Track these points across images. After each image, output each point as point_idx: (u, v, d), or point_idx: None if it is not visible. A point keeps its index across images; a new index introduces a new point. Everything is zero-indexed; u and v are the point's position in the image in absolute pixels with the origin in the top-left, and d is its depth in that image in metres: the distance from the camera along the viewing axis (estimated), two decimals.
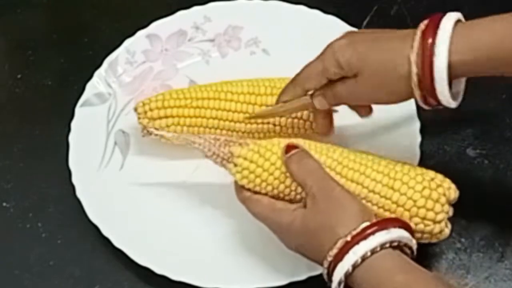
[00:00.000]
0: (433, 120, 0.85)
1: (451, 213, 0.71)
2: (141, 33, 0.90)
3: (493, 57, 0.63)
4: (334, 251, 0.64)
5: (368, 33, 0.70)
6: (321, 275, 0.68)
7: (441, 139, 0.84)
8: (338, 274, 0.64)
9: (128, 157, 0.84)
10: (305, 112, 0.79)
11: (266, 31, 0.91)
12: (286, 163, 0.70)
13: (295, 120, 0.79)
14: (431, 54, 0.64)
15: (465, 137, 0.85)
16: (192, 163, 0.83)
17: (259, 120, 0.80)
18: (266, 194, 0.72)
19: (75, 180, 0.81)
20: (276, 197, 0.72)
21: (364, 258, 0.63)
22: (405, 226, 0.66)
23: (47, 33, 0.97)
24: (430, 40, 0.64)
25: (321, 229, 0.66)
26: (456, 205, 0.71)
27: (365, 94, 0.69)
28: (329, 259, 0.65)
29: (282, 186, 0.71)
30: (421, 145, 0.80)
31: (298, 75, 0.73)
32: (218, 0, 0.92)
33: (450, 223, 0.71)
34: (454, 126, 0.85)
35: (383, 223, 0.65)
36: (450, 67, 0.64)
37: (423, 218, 0.69)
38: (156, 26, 0.90)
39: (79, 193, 0.80)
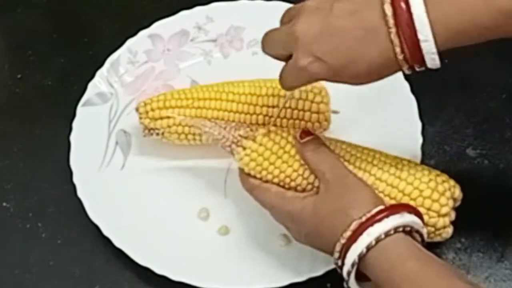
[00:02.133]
0: (433, 120, 0.85)
1: (453, 217, 0.71)
2: (143, 33, 0.90)
3: (466, 32, 0.61)
4: (348, 233, 0.64)
5: (328, 31, 0.64)
6: (321, 276, 0.68)
7: (441, 139, 0.84)
8: (352, 255, 0.64)
9: (129, 157, 0.84)
10: (306, 113, 0.79)
11: None
12: (301, 149, 0.71)
13: (296, 121, 0.79)
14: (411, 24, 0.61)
15: (465, 137, 0.85)
16: (193, 163, 0.83)
17: (260, 121, 0.80)
18: (272, 179, 0.72)
19: (76, 179, 0.81)
20: (282, 183, 0.72)
21: (378, 240, 0.63)
22: (416, 212, 0.67)
23: (47, 33, 0.97)
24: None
25: (334, 212, 0.66)
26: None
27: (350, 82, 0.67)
28: (343, 241, 0.64)
29: (289, 170, 0.71)
30: (422, 145, 0.80)
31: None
32: (221, 0, 0.92)
33: (453, 228, 0.71)
34: (454, 126, 0.85)
35: (396, 208, 0.66)
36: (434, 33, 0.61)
37: (428, 209, 0.69)
38: (158, 26, 0.90)
39: (80, 193, 0.80)
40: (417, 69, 0.63)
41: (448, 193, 0.70)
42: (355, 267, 0.64)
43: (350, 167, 0.71)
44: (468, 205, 0.72)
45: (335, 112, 0.80)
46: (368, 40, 0.62)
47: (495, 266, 0.77)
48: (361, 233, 0.64)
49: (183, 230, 0.80)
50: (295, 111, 0.79)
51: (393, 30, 0.61)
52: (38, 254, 0.80)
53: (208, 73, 0.88)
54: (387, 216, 0.64)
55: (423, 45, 0.61)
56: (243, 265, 0.77)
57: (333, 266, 0.72)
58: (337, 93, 0.79)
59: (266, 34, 0.70)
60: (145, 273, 0.76)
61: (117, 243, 0.77)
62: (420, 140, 0.81)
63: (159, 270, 0.76)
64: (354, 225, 0.64)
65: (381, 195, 0.70)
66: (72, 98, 0.86)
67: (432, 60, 0.62)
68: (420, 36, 0.61)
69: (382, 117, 0.83)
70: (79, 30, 0.96)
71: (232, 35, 0.91)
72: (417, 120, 0.82)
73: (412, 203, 0.69)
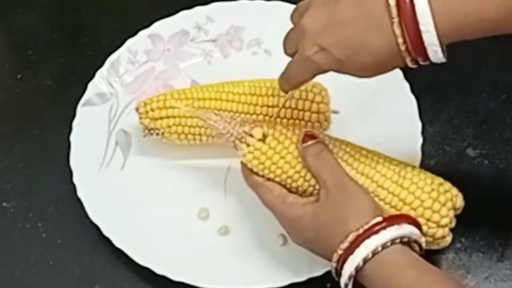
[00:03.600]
0: (433, 120, 0.85)
1: (453, 224, 0.71)
2: (143, 33, 0.90)
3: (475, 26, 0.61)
4: (345, 244, 0.64)
5: (336, 23, 0.64)
6: (321, 276, 0.68)
7: (441, 139, 0.84)
8: (349, 268, 0.64)
9: (129, 157, 0.84)
10: (306, 113, 0.79)
11: (268, 31, 0.90)
12: (303, 153, 0.71)
13: (296, 121, 0.79)
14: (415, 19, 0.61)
15: (465, 137, 0.85)
16: (193, 163, 0.83)
17: (260, 121, 0.79)
18: (274, 178, 0.72)
19: (76, 179, 0.81)
20: (283, 182, 0.72)
21: (375, 253, 0.63)
22: (415, 223, 0.67)
23: (47, 33, 0.97)
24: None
25: (332, 222, 0.66)
26: None
27: (356, 73, 0.66)
28: (340, 252, 0.65)
29: (292, 171, 0.71)
30: (422, 145, 0.80)
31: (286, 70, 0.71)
32: (221, 0, 0.92)
33: (452, 233, 0.71)
34: (454, 126, 0.85)
35: (394, 219, 0.65)
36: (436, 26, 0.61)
37: (428, 220, 0.69)
38: (158, 26, 0.90)
39: (80, 193, 0.80)
40: (421, 62, 0.63)
41: (449, 204, 0.70)
42: (352, 279, 0.64)
43: (353, 172, 0.71)
44: (468, 205, 0.72)
45: (335, 112, 0.80)
46: (372, 31, 0.63)
47: (495, 266, 0.77)
48: (358, 245, 0.64)
49: (183, 230, 0.80)
50: (295, 111, 0.79)
51: (396, 20, 0.61)
52: (38, 254, 0.80)
53: (208, 73, 0.88)
54: (384, 228, 0.64)
55: (425, 36, 0.61)
56: (243, 265, 0.77)
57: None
58: (337, 93, 0.79)
59: (285, 35, 0.71)
60: (145, 273, 0.76)
61: (117, 243, 0.77)
62: (420, 140, 0.81)
63: (159, 270, 0.76)
64: (351, 237, 0.64)
65: (382, 203, 0.70)
66: (72, 98, 0.86)
67: (435, 52, 0.62)
68: (422, 27, 0.61)
69: (382, 117, 0.83)
70: (79, 30, 0.96)
71: (232, 35, 0.91)
72: (417, 120, 0.82)
73: (412, 212, 0.69)
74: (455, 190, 0.71)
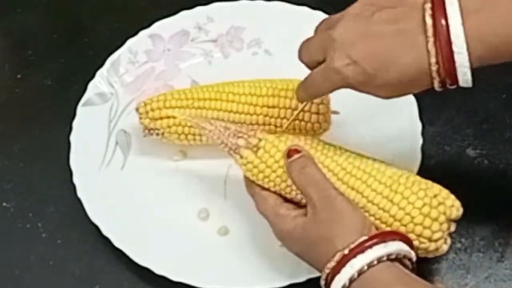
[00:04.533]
0: (433, 120, 0.85)
1: (453, 229, 0.70)
2: (143, 33, 0.90)
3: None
4: (332, 263, 0.64)
5: (368, 35, 0.65)
6: (319, 277, 0.68)
7: (441, 139, 0.84)
8: (336, 287, 0.64)
9: (129, 157, 0.84)
10: (306, 114, 0.79)
11: (269, 32, 0.91)
12: (288, 169, 0.70)
13: (296, 122, 0.79)
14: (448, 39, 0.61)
15: (465, 137, 0.85)
16: (193, 163, 0.83)
17: (260, 122, 0.79)
18: (269, 188, 0.72)
19: (76, 180, 0.81)
20: (283, 192, 0.72)
21: (360, 272, 0.63)
22: (404, 239, 0.66)
23: (47, 33, 0.97)
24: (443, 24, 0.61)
25: (320, 240, 0.66)
26: None
27: (380, 93, 0.67)
28: (327, 271, 0.65)
29: (283, 184, 0.72)
30: (422, 145, 0.80)
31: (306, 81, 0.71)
32: (221, 1, 0.92)
33: (450, 238, 0.71)
34: (454, 126, 0.85)
35: (381, 236, 0.65)
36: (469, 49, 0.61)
37: (419, 235, 0.68)
38: (159, 26, 0.90)
39: (80, 193, 0.80)
40: (448, 85, 0.63)
41: (442, 218, 0.68)
42: None
43: (343, 187, 0.70)
44: (468, 205, 0.72)
45: (335, 112, 0.80)
46: (405, 47, 0.63)
47: (495, 266, 0.77)
48: (344, 265, 0.64)
49: (183, 231, 0.79)
50: (295, 112, 0.79)
51: (431, 39, 0.62)
52: (38, 254, 0.80)
53: (208, 73, 0.88)
54: (370, 247, 0.64)
55: (456, 57, 0.61)
56: (242, 265, 0.77)
57: None
58: (337, 93, 0.79)
59: (303, 41, 0.70)
60: (145, 273, 0.76)
61: (117, 243, 0.77)
62: (420, 140, 0.80)
63: (159, 271, 0.76)
64: (337, 257, 0.64)
65: (372, 218, 0.69)
66: (72, 98, 0.86)
67: (464, 74, 0.62)
68: (455, 48, 0.61)
69: (382, 117, 0.82)
70: (79, 30, 0.96)
71: (232, 35, 0.91)
72: (417, 120, 0.82)
73: (402, 228, 0.68)
74: (450, 200, 0.70)
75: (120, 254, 0.77)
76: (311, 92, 0.70)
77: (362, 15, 0.65)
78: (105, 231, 0.78)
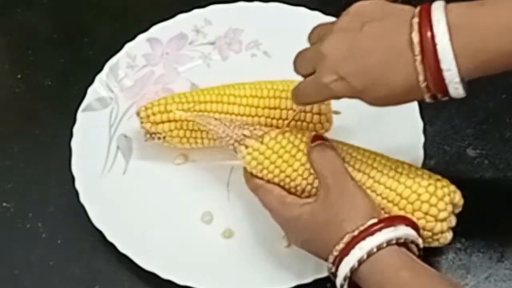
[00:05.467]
0: (433, 120, 0.85)
1: (453, 223, 0.71)
2: (141, 37, 0.89)
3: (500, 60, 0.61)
4: (341, 245, 0.64)
5: (359, 53, 0.65)
6: (326, 278, 0.68)
7: (441, 139, 0.84)
8: (344, 269, 0.64)
9: (131, 162, 0.84)
10: (308, 115, 0.79)
11: (267, 33, 0.90)
12: (309, 152, 0.71)
13: (298, 123, 0.79)
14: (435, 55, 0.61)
15: (465, 137, 0.85)
16: (195, 167, 0.83)
17: (262, 123, 0.79)
18: (273, 179, 0.72)
19: (78, 186, 0.80)
20: (282, 183, 0.72)
21: (369, 254, 0.63)
22: (412, 225, 0.67)
23: (47, 33, 0.97)
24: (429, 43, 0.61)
25: (329, 223, 0.67)
26: None
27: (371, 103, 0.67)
28: (335, 253, 0.65)
29: (289, 170, 0.72)
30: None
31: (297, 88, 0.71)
32: (219, 3, 0.92)
33: (452, 232, 0.71)
34: (454, 126, 0.85)
35: (390, 220, 0.66)
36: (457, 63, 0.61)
37: (426, 213, 0.69)
38: (157, 30, 0.90)
39: (83, 199, 0.79)
40: (439, 98, 0.63)
41: (447, 198, 0.70)
42: (347, 280, 0.64)
43: (349, 169, 0.71)
44: (468, 205, 0.72)
45: (336, 112, 0.80)
46: (393, 65, 0.63)
47: (495, 266, 0.77)
48: (353, 247, 0.64)
49: (187, 234, 0.79)
50: (295, 113, 0.79)
51: (418, 58, 0.61)
52: (38, 254, 0.80)
53: (207, 76, 0.88)
54: (380, 230, 0.64)
55: (446, 74, 0.61)
56: (247, 268, 0.77)
57: None
58: None
59: (297, 54, 0.71)
60: (145, 273, 0.76)
61: (122, 248, 0.77)
62: (422, 139, 0.81)
63: (165, 275, 0.75)
64: (346, 238, 0.64)
65: (379, 198, 0.70)
66: (72, 98, 0.86)
67: (456, 89, 0.62)
68: (443, 66, 0.61)
69: (383, 117, 0.82)
70: (79, 30, 0.96)
71: (230, 38, 0.91)
72: (418, 119, 0.82)
73: (409, 206, 0.69)
74: (453, 187, 0.71)
75: (120, 254, 0.77)
76: (303, 100, 0.71)
77: (351, 29, 0.65)
78: (109, 237, 0.78)
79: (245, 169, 0.74)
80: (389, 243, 0.64)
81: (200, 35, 0.91)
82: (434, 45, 0.60)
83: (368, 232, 0.64)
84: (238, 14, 0.91)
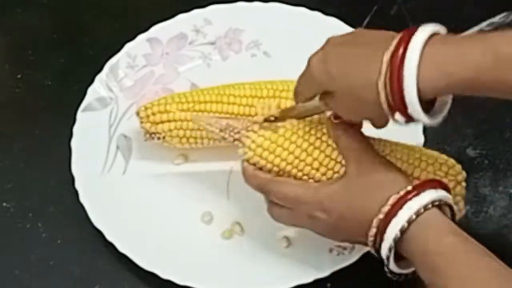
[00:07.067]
0: None
1: (464, 192, 0.72)
2: (141, 37, 0.89)
3: (467, 88, 0.62)
4: (387, 207, 0.64)
5: (346, 46, 0.66)
6: (326, 278, 0.68)
7: (441, 139, 0.84)
8: (392, 231, 0.63)
9: (130, 162, 0.84)
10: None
11: (267, 33, 0.91)
12: (334, 127, 0.70)
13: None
14: (400, 80, 0.61)
15: (465, 137, 0.85)
16: (195, 167, 0.83)
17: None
18: (279, 172, 0.70)
19: (78, 186, 0.80)
20: (295, 171, 0.70)
21: (418, 214, 0.63)
22: (447, 188, 0.66)
23: (47, 33, 0.97)
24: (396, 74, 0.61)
25: (367, 190, 0.66)
26: None
27: (344, 113, 0.68)
28: (381, 216, 0.64)
29: (298, 151, 0.70)
30: (422, 144, 0.80)
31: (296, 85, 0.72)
32: (219, 3, 0.92)
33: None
34: (454, 126, 0.85)
35: (430, 183, 0.66)
36: (419, 91, 0.61)
37: (446, 173, 0.70)
38: (157, 30, 0.90)
39: (83, 199, 0.80)
40: (401, 119, 0.64)
41: (458, 167, 0.72)
42: (395, 242, 0.63)
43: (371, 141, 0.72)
44: (468, 205, 0.72)
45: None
46: (366, 61, 0.63)
47: None
48: (401, 207, 0.63)
49: (187, 234, 0.79)
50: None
51: (382, 78, 0.61)
52: (38, 254, 0.80)
53: (207, 76, 0.88)
54: (423, 191, 0.64)
55: (406, 97, 0.61)
56: (247, 268, 0.77)
57: (336, 267, 0.72)
58: None
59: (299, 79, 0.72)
60: (145, 273, 0.76)
61: (122, 248, 0.77)
62: (422, 139, 0.81)
63: (165, 275, 0.75)
64: (392, 199, 0.64)
65: (400, 162, 0.71)
66: (72, 98, 0.86)
67: (417, 113, 0.62)
68: (406, 89, 0.61)
69: None
70: (79, 30, 0.96)
71: (230, 38, 0.91)
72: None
73: (430, 168, 0.70)
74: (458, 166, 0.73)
75: (120, 254, 0.77)
76: (299, 98, 0.71)
77: (345, 43, 0.66)
78: (109, 237, 0.78)
79: (245, 167, 0.72)
80: (433, 203, 0.63)
81: (200, 35, 0.91)
82: (401, 65, 0.60)
83: (414, 193, 0.64)
84: (238, 14, 0.91)
